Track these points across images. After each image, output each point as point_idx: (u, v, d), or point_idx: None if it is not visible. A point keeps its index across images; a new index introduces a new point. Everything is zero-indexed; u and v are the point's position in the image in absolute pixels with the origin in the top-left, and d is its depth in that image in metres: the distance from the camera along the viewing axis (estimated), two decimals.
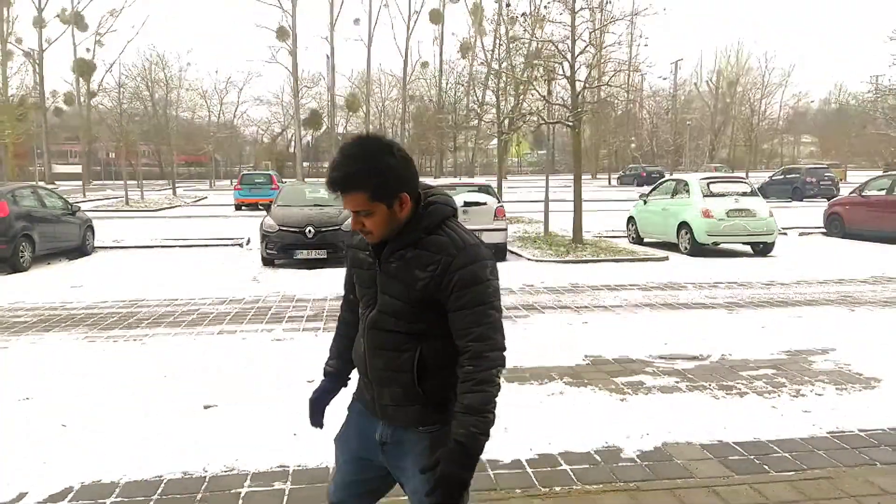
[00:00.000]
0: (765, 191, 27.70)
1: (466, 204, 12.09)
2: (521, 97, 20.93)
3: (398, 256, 1.86)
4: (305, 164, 57.18)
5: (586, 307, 8.16)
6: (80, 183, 43.37)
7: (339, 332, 2.26)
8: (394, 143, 1.86)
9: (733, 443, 4.01)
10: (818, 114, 71.87)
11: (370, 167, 1.78)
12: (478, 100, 30.71)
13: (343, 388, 2.24)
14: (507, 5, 24.17)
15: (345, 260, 2.22)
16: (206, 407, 4.64)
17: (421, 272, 1.82)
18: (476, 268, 1.81)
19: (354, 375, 2.16)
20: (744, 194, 13.07)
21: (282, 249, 11.55)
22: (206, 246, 14.86)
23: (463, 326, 1.80)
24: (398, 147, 1.86)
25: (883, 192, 15.08)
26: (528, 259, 12.39)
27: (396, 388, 1.92)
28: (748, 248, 13.27)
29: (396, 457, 1.97)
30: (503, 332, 1.85)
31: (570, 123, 14.87)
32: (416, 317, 1.86)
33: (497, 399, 1.80)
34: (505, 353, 1.83)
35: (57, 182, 48.95)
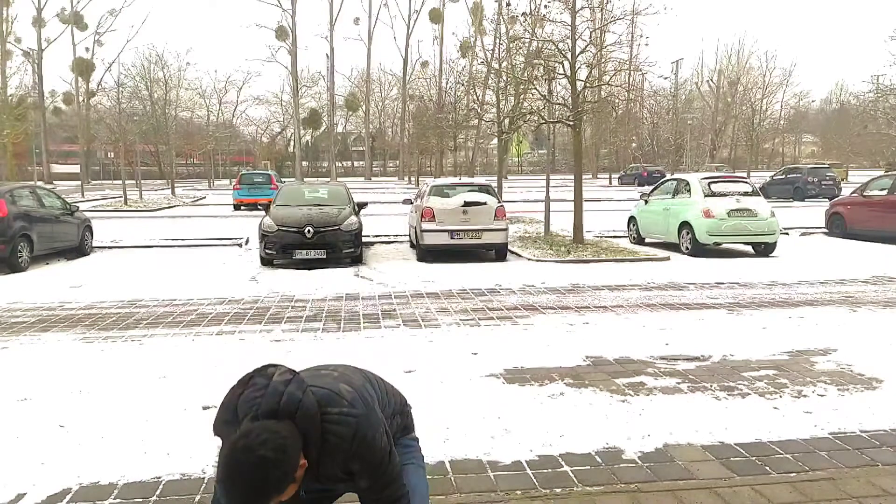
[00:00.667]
0: (766, 191, 27.71)
1: (466, 204, 12.07)
2: (522, 97, 20.89)
3: (310, 489, 2.04)
4: (304, 163, 57.19)
5: (587, 307, 8.14)
6: (78, 183, 43.36)
7: None
8: (260, 453, 1.72)
9: (734, 444, 3.99)
10: (819, 113, 71.90)
11: (266, 483, 1.72)
12: (478, 99, 30.69)
13: None
14: (507, 5, 24.16)
15: None
16: (204, 408, 4.61)
17: (335, 481, 2.00)
18: (367, 444, 1.96)
19: None
20: (745, 194, 13.05)
21: (281, 249, 11.53)
22: (205, 246, 14.85)
23: (377, 491, 2.05)
24: (274, 441, 1.74)
25: (884, 192, 15.06)
26: (529, 259, 12.37)
27: None
28: (749, 249, 13.25)
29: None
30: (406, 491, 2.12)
31: (571, 123, 14.85)
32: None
33: None
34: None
35: (55, 182, 49.01)
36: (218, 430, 1.94)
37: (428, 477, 3.61)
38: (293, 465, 1.78)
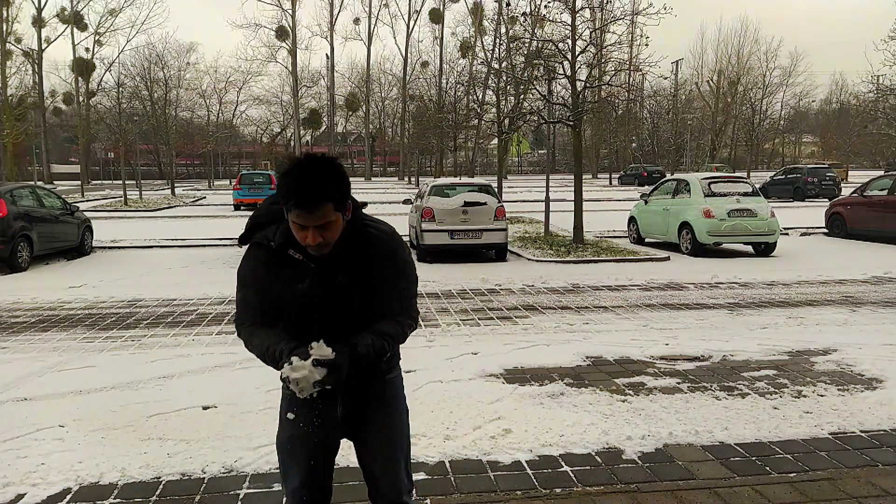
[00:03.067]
0: (766, 191, 27.71)
1: (466, 204, 12.07)
2: (522, 97, 20.90)
3: (344, 270, 2.00)
4: None
5: (587, 307, 8.14)
6: (78, 183, 43.37)
7: (270, 329, 2.08)
8: (336, 157, 1.98)
9: (734, 444, 3.99)
10: (819, 113, 71.89)
11: (335, 177, 1.90)
12: (478, 99, 30.66)
13: None
14: (508, 5, 24.18)
15: (240, 282, 2.11)
16: (204, 408, 4.61)
17: (369, 268, 2.02)
18: (401, 251, 2.09)
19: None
20: (745, 194, 13.05)
21: None
22: (205, 246, 14.85)
23: (394, 297, 2.07)
24: (339, 160, 1.98)
25: (885, 192, 15.05)
26: (529, 259, 12.36)
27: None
28: (749, 249, 13.25)
29: (361, 418, 2.16)
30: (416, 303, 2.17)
31: (571, 123, 14.85)
32: (369, 304, 2.05)
33: (392, 346, 2.06)
34: (417, 319, 2.15)
35: (55, 182, 49.01)
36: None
37: (428, 477, 3.62)
38: (349, 188, 1.94)
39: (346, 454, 2.90)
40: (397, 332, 2.06)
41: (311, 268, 2.00)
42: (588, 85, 15.18)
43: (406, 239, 14.95)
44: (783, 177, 31.78)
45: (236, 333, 2.12)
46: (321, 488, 2.22)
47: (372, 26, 55.92)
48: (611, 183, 50.77)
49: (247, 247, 2.11)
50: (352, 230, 2.01)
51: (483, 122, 30.53)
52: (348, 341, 1.95)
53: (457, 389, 4.94)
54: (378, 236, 2.05)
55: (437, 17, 56.21)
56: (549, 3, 15.01)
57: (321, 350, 1.85)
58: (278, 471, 3.62)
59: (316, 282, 2.00)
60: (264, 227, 2.08)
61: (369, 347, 1.96)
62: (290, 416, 2.16)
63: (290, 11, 47.17)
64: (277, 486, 3.49)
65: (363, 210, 2.12)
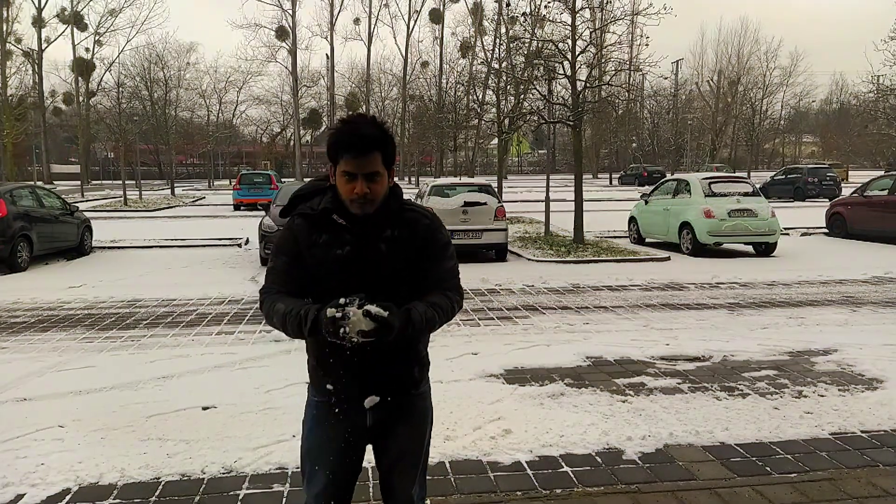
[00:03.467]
0: (766, 191, 27.69)
1: (466, 204, 12.06)
2: (522, 97, 20.90)
3: (386, 239, 2.02)
4: (305, 163, 57.19)
5: (587, 307, 8.14)
6: (78, 183, 43.38)
7: (288, 298, 2.02)
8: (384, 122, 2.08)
9: (735, 444, 3.99)
10: (819, 113, 71.87)
11: (383, 132, 1.99)
12: (478, 99, 30.68)
13: None
14: (508, 5, 24.16)
15: (275, 252, 2.10)
16: (204, 408, 4.61)
17: (413, 245, 2.04)
18: (444, 231, 2.14)
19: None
20: (745, 194, 13.04)
21: None
22: (205, 246, 14.84)
23: (442, 277, 2.09)
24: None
25: (885, 192, 15.05)
26: (529, 259, 12.36)
27: (398, 361, 2.07)
28: (750, 249, 13.24)
29: (387, 429, 2.12)
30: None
31: (571, 123, 14.84)
32: (407, 284, 2.04)
33: (443, 323, 2.04)
34: (463, 297, 2.17)
35: (55, 182, 49.02)
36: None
37: (428, 477, 3.61)
38: (395, 148, 2.03)
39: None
40: (447, 305, 2.05)
41: (352, 234, 2.02)
42: (588, 85, 15.18)
43: None
44: (783, 177, 31.79)
45: (259, 305, 2.08)
46: (344, 494, 2.19)
47: (372, 26, 55.91)
48: (611, 183, 50.79)
49: (287, 220, 2.13)
50: (395, 208, 2.06)
51: (483, 122, 30.56)
52: (402, 306, 1.93)
53: (457, 390, 4.94)
54: (420, 218, 2.09)
55: (437, 17, 56.18)
56: (549, 3, 15.03)
57: (374, 307, 1.80)
58: (278, 471, 3.65)
59: (356, 247, 2.00)
60: (307, 198, 2.11)
61: (422, 315, 1.94)
62: (313, 413, 2.16)
63: (290, 11, 47.15)
64: (277, 486, 3.49)
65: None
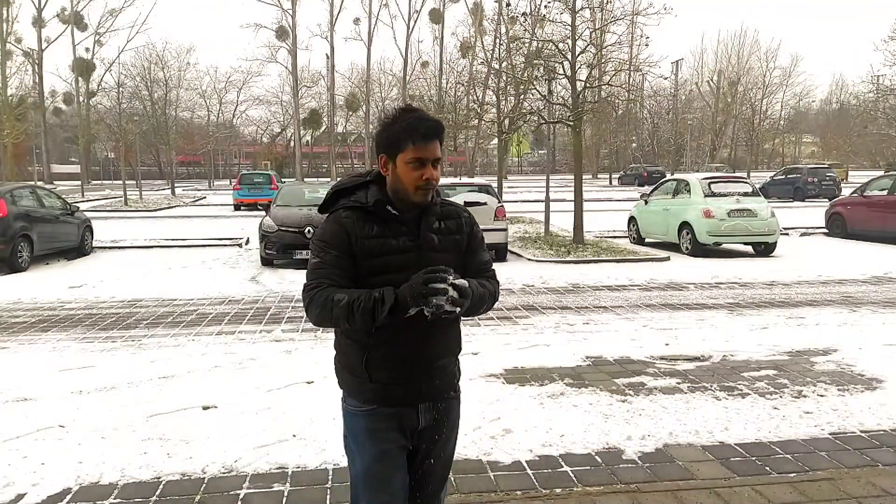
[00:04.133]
0: (766, 191, 27.67)
1: (466, 204, 12.03)
2: (522, 97, 20.90)
3: (436, 230, 2.08)
4: (304, 163, 57.19)
5: (587, 307, 8.14)
6: (78, 183, 43.37)
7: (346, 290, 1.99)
8: None
9: (734, 444, 3.99)
10: (819, 113, 71.83)
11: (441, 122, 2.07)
12: (478, 99, 30.68)
13: None
14: (508, 5, 24.17)
15: (321, 247, 2.02)
16: (204, 408, 4.61)
17: (458, 237, 2.13)
18: (478, 226, 2.24)
19: None
20: (745, 194, 13.05)
21: (281, 250, 11.52)
22: (205, 246, 14.84)
23: (482, 267, 2.18)
24: None
25: (885, 192, 15.05)
26: (529, 259, 12.36)
27: (447, 357, 2.15)
28: (750, 249, 13.25)
29: (428, 434, 2.12)
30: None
31: (571, 123, 14.85)
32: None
33: (489, 305, 2.13)
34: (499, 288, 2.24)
35: (55, 182, 49.00)
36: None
37: None
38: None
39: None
40: (492, 288, 2.14)
41: (406, 224, 2.04)
42: (588, 85, 15.18)
43: None
44: (783, 177, 31.79)
45: (304, 303, 2.00)
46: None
47: (372, 26, 55.85)
48: (611, 183, 50.78)
49: (327, 215, 2.09)
50: (437, 201, 2.12)
51: (483, 123, 30.54)
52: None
53: None
54: (461, 211, 2.19)
55: (437, 17, 56.13)
56: (549, 3, 15.03)
57: (456, 278, 1.88)
58: (278, 471, 3.66)
59: (410, 237, 2.03)
60: (350, 192, 2.09)
61: (476, 289, 1.99)
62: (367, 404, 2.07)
63: (290, 11, 47.11)
64: (278, 486, 3.50)
65: None
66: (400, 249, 2.00)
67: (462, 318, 2.08)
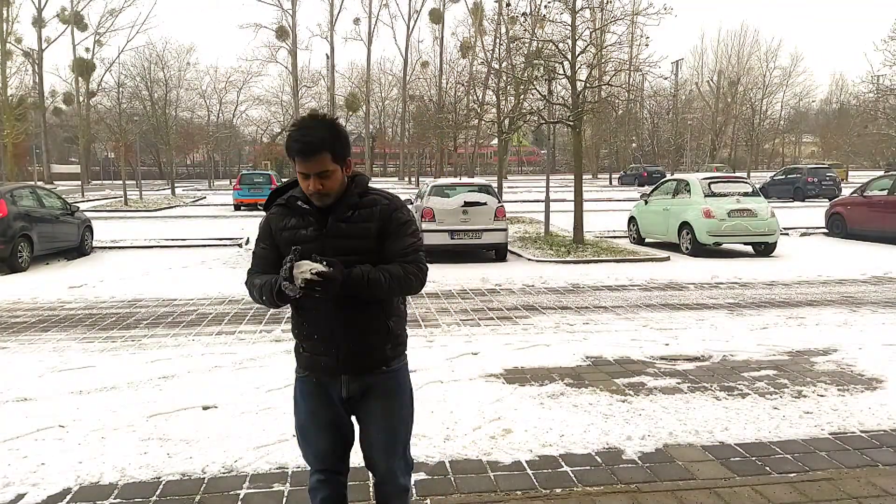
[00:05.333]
0: (766, 191, 27.69)
1: (466, 204, 12.06)
2: (522, 97, 20.90)
3: (346, 219, 2.25)
4: None
5: (587, 307, 8.14)
6: (78, 183, 43.36)
7: (264, 275, 2.35)
8: (336, 117, 2.31)
9: (734, 444, 3.99)
10: (819, 113, 71.83)
11: (332, 133, 2.18)
12: (478, 99, 30.67)
13: None
14: (508, 5, 24.16)
15: (256, 240, 2.46)
16: (205, 408, 4.61)
17: (369, 224, 2.25)
18: (404, 211, 2.33)
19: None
20: (745, 194, 13.05)
21: None
22: (205, 246, 14.85)
23: (400, 251, 2.28)
24: (339, 119, 2.31)
25: (885, 193, 15.05)
26: (529, 259, 12.36)
27: (373, 336, 2.30)
28: (750, 249, 13.25)
29: (363, 404, 2.37)
30: (423, 256, 2.36)
31: (571, 123, 14.85)
32: (371, 260, 2.24)
33: (395, 289, 2.24)
34: (424, 270, 2.33)
35: (55, 182, 49.01)
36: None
37: (428, 477, 3.62)
38: (348, 143, 2.24)
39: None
40: (399, 273, 2.23)
41: (316, 216, 2.26)
42: (588, 85, 15.18)
43: None
44: (783, 177, 31.77)
45: (245, 282, 2.46)
46: (339, 463, 2.45)
47: (372, 26, 55.91)
48: (611, 183, 50.78)
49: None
50: (358, 195, 2.28)
51: (483, 123, 30.54)
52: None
53: (457, 389, 4.95)
54: (380, 199, 2.31)
55: (437, 17, 56.17)
56: (549, 3, 15.03)
57: (315, 259, 2.08)
58: (278, 471, 3.67)
59: (318, 226, 2.25)
60: (282, 193, 2.40)
61: (366, 273, 2.16)
62: (302, 395, 2.48)
63: (290, 11, 47.19)
64: (278, 486, 3.50)
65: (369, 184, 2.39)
66: (308, 238, 2.24)
67: (400, 300, 2.39)
